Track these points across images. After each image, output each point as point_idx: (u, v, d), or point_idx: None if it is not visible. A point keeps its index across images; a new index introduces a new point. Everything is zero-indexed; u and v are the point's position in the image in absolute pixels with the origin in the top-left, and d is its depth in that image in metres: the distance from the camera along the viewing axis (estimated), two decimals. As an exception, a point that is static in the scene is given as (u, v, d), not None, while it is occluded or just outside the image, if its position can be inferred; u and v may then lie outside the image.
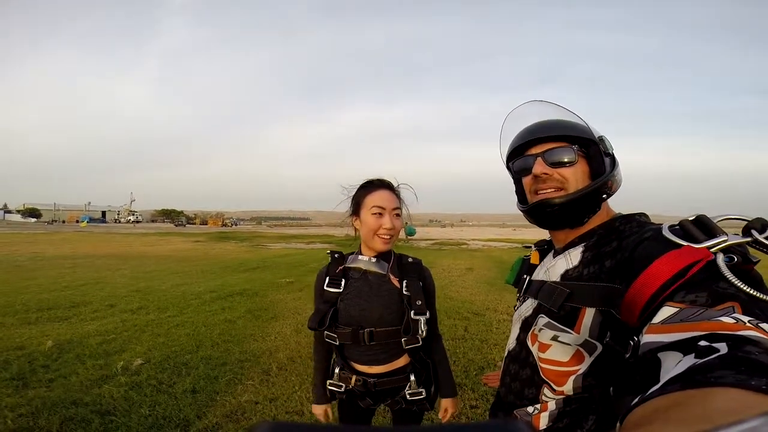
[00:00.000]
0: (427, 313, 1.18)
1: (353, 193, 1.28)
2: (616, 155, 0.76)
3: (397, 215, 1.21)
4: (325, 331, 1.23)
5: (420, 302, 1.18)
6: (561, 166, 0.72)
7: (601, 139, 0.74)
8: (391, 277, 1.23)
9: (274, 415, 2.36)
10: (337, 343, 1.22)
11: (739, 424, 0.17)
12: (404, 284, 1.21)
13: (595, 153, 0.73)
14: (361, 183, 1.27)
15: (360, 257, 1.25)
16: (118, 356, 3.23)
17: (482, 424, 0.16)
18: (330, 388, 1.29)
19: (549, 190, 0.73)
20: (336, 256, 1.30)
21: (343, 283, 1.23)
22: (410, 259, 1.29)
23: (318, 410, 1.34)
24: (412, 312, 1.16)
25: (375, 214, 1.18)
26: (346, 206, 1.31)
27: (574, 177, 0.72)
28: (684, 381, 0.32)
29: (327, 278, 1.25)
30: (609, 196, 0.73)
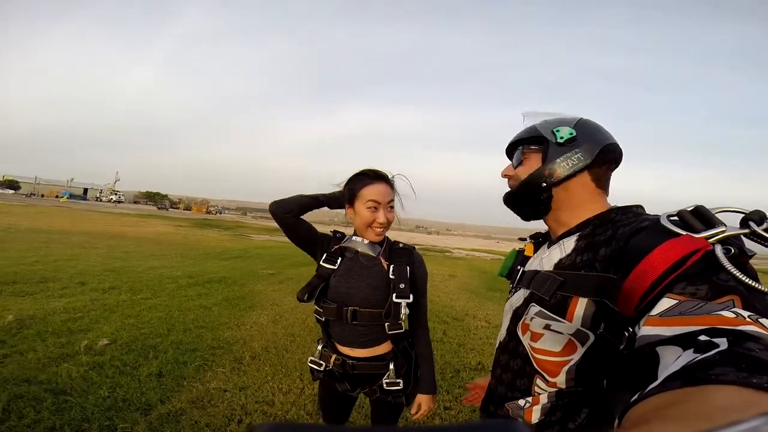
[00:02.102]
0: (410, 297, 1.19)
1: (345, 182, 1.29)
2: (580, 140, 0.75)
3: (391, 208, 1.25)
4: (315, 305, 1.26)
5: (403, 285, 1.19)
6: (519, 166, 0.81)
7: (554, 132, 0.76)
8: (382, 260, 1.25)
9: (243, 403, 2.27)
10: (323, 319, 1.25)
11: (739, 424, 0.16)
12: (391, 268, 1.23)
13: (546, 147, 0.76)
14: (355, 172, 1.27)
15: (355, 238, 1.29)
16: (83, 335, 3.08)
17: (481, 424, 0.16)
18: (310, 365, 1.31)
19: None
20: (338, 235, 1.33)
21: (339, 261, 1.27)
22: (401, 245, 1.31)
23: None
24: (395, 295, 1.18)
25: (370, 208, 1.20)
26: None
27: (524, 173, 0.79)
28: (684, 378, 0.32)
29: (324, 254, 1.28)
30: (553, 183, 0.74)
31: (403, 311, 1.18)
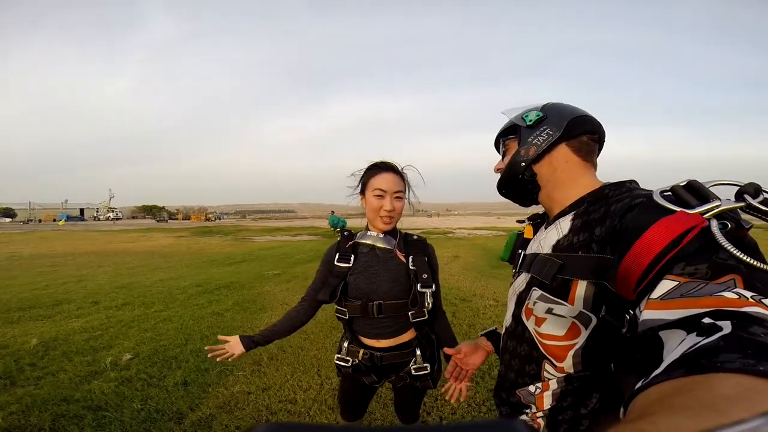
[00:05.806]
0: (433, 286, 1.25)
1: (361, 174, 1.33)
2: (550, 116, 0.78)
3: (398, 198, 1.26)
4: (336, 306, 1.30)
5: (426, 276, 1.25)
6: (504, 157, 0.86)
7: (523, 117, 0.80)
8: (398, 252, 1.29)
9: (268, 404, 2.39)
10: (347, 317, 1.28)
11: (740, 424, 0.16)
12: (410, 259, 1.27)
13: (520, 132, 0.81)
14: (368, 165, 1.32)
15: (369, 233, 1.31)
16: (106, 352, 3.20)
17: (482, 423, 0.16)
18: (337, 362, 1.35)
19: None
20: (346, 233, 1.37)
21: (352, 258, 1.29)
22: (415, 237, 1.36)
23: (232, 340, 1.27)
24: (419, 285, 1.23)
25: (377, 196, 1.23)
26: (349, 194, 1.36)
27: (506, 161, 0.83)
28: (689, 365, 0.31)
29: (337, 254, 1.31)
30: (531, 161, 0.78)
31: (428, 300, 1.24)
